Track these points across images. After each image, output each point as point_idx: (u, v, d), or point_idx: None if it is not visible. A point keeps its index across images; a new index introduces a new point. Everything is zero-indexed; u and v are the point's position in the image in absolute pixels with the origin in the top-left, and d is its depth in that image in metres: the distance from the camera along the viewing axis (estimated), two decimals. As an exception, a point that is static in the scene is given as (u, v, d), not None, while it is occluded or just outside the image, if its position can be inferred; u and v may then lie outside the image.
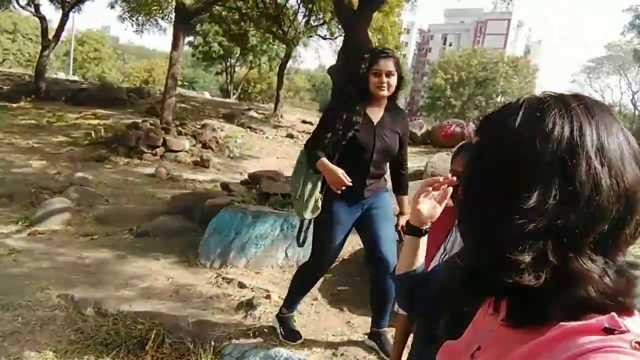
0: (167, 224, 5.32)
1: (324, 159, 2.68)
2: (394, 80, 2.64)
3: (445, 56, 44.77)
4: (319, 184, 2.75)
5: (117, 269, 4.33)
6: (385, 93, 2.64)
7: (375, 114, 2.73)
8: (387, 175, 2.99)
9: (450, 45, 68.99)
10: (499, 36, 64.87)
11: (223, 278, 4.12)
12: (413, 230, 1.30)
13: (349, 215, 2.80)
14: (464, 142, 1.81)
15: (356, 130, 2.64)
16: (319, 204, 2.76)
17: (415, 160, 11.84)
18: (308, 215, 2.81)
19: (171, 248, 4.84)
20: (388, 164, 2.89)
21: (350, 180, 2.63)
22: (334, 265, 4.34)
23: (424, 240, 1.31)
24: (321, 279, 4.10)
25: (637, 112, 39.05)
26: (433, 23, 77.78)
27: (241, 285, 3.97)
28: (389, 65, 2.61)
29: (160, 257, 4.63)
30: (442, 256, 1.75)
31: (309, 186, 2.76)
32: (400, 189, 2.98)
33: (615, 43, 37.94)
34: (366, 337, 3.14)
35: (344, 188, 2.63)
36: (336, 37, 17.60)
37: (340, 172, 2.61)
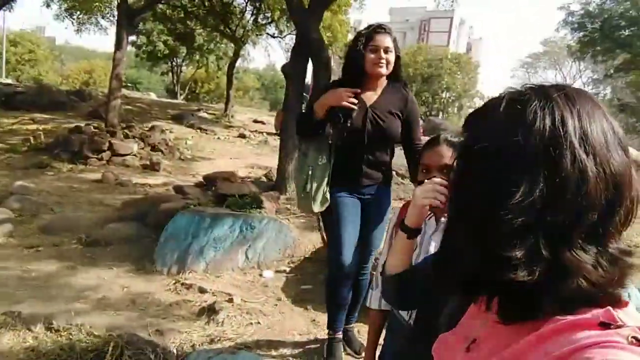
0: (119, 231, 5.10)
1: (316, 102, 2.55)
2: (392, 57, 2.49)
3: (391, 53, 45.51)
4: (326, 177, 2.60)
5: (68, 281, 4.10)
6: (384, 71, 2.49)
7: (370, 95, 2.55)
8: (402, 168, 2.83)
9: (396, 42, 70.17)
10: (443, 34, 66.84)
11: (182, 284, 4.00)
12: (410, 231, 1.30)
13: (354, 209, 2.62)
14: (433, 136, 1.81)
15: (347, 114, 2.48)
16: (327, 195, 2.60)
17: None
18: (317, 208, 2.63)
19: (125, 256, 4.65)
20: (389, 150, 2.68)
21: (348, 169, 2.53)
22: (295, 264, 4.34)
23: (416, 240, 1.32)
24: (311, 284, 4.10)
25: (571, 105, 41.21)
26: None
27: (201, 290, 3.87)
28: (387, 41, 2.47)
29: (114, 266, 4.43)
30: (416, 250, 1.76)
31: (316, 180, 2.59)
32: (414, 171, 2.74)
33: (550, 39, 40.12)
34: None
35: (354, 101, 2.42)
36: (285, 36, 17.54)
37: (339, 89, 2.46)
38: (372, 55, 2.46)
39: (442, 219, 1.74)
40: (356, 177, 2.59)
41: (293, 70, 5.87)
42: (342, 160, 2.57)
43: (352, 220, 2.60)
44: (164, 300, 3.75)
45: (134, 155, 9.50)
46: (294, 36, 17.55)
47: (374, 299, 1.90)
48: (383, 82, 2.58)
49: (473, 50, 69.16)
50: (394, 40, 2.52)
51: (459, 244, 0.65)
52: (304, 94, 5.98)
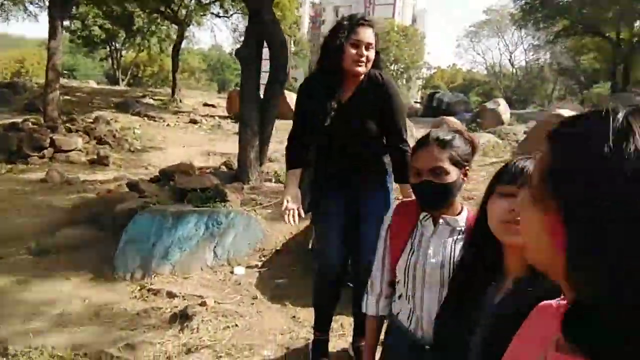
0: (72, 237, 4.75)
1: (291, 172, 2.39)
2: (372, 54, 2.27)
3: (338, 28, 45.23)
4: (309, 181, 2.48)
5: (20, 297, 3.78)
6: (363, 69, 2.27)
7: (346, 91, 2.35)
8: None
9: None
10: (388, 6, 66.91)
11: (148, 290, 3.77)
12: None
13: (339, 208, 2.44)
14: (423, 135, 1.70)
15: (328, 110, 2.31)
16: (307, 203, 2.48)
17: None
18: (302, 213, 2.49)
19: (82, 264, 4.33)
20: (376, 145, 2.45)
21: (326, 169, 2.41)
22: (266, 258, 4.19)
23: None
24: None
25: (514, 70, 42.72)
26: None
27: (170, 295, 3.65)
28: (370, 36, 2.24)
29: (71, 276, 4.11)
30: (410, 253, 1.66)
31: (304, 185, 2.46)
32: (398, 174, 2.39)
33: (492, 8, 41.01)
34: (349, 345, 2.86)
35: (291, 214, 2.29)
36: (231, 15, 16.93)
37: (289, 198, 2.29)
38: (353, 51, 2.23)
39: (441, 220, 1.65)
40: (342, 178, 2.44)
41: (247, 54, 5.59)
42: (327, 164, 2.45)
43: (336, 213, 2.44)
44: (131, 310, 3.52)
45: (79, 150, 8.94)
46: (241, 15, 17.04)
47: (370, 305, 1.79)
48: (360, 78, 2.36)
49: (418, 21, 69.86)
50: (376, 35, 2.30)
51: (579, 275, 0.57)
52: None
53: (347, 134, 2.36)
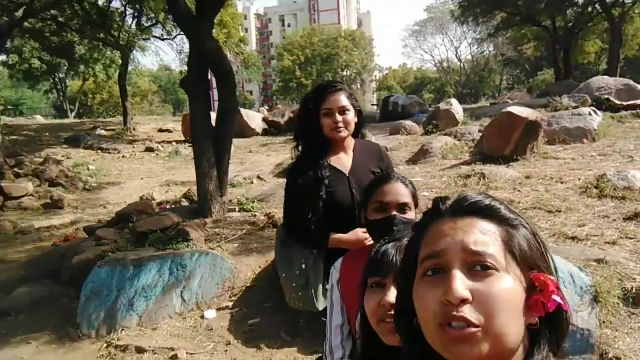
0: (30, 295, 4.49)
1: (334, 235, 2.15)
2: (350, 116, 2.18)
3: (287, 37, 45.40)
4: (320, 266, 2.23)
5: (-24, 371, 3.54)
6: (344, 134, 2.18)
7: (343, 160, 2.24)
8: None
9: (289, 25, 70.16)
10: (332, 11, 67.60)
11: (115, 346, 3.60)
12: None
13: None
14: (382, 174, 1.69)
15: (328, 188, 2.16)
16: (321, 294, 2.26)
17: (285, 150, 11.81)
18: (322, 305, 2.26)
19: (42, 324, 4.10)
20: None
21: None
22: (237, 296, 4.08)
23: None
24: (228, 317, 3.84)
25: (461, 65, 43.96)
26: (268, 6, 78.27)
27: (139, 350, 3.50)
28: (341, 100, 2.16)
29: (32, 339, 3.89)
30: None
31: (309, 273, 2.24)
32: None
33: (433, 5, 42.10)
34: None
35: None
36: (175, 37, 16.65)
37: (358, 232, 2.10)
38: (328, 120, 2.15)
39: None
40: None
41: (193, 85, 5.46)
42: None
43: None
44: (99, 372, 3.35)
45: (31, 195, 8.54)
46: (185, 36, 16.79)
47: None
48: (350, 141, 2.27)
49: (364, 24, 70.87)
50: (350, 96, 2.21)
51: None
52: None
53: (350, 201, 2.22)
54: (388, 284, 1.11)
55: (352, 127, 2.20)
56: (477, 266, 0.68)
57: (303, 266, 2.22)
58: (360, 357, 1.20)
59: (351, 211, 2.18)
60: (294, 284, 2.28)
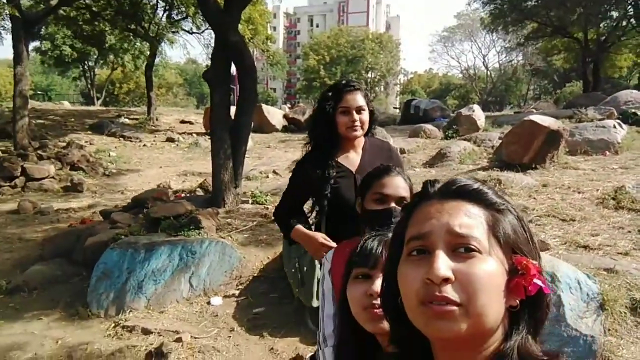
0: (44, 273, 4.61)
1: (298, 227, 2.21)
2: (365, 116, 2.21)
3: (314, 37, 45.57)
4: (316, 267, 2.27)
5: (-11, 342, 3.65)
6: (359, 133, 2.21)
7: (352, 159, 2.27)
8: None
9: (317, 26, 70.37)
10: (361, 14, 67.56)
11: (123, 327, 3.67)
12: None
13: None
14: (382, 166, 1.70)
15: (334, 185, 2.17)
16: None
17: (304, 148, 11.86)
18: (316, 303, 2.28)
19: (54, 302, 4.21)
20: None
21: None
22: (244, 285, 4.13)
23: None
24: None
25: (488, 72, 43.43)
26: (298, 6, 78.68)
27: (145, 332, 3.56)
28: (358, 99, 2.19)
29: (43, 315, 4.00)
30: None
31: (307, 272, 2.30)
32: None
33: (463, 12, 41.68)
34: None
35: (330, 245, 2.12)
36: (203, 31, 16.84)
37: (319, 237, 2.15)
38: (345, 119, 2.18)
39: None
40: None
41: (215, 76, 5.54)
42: (336, 238, 2.22)
43: None
44: (105, 350, 3.41)
45: (52, 177, 8.75)
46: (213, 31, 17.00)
47: (329, 356, 1.69)
48: (361, 141, 2.31)
49: (392, 28, 70.56)
50: (366, 96, 2.25)
51: None
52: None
53: (353, 199, 2.14)
54: (375, 276, 1.13)
55: (366, 126, 2.23)
56: (461, 248, 0.69)
57: (297, 265, 2.24)
58: (337, 342, 1.23)
59: (355, 209, 2.11)
60: (291, 280, 2.30)
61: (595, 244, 3.43)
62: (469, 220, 0.71)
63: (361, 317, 1.13)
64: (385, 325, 1.07)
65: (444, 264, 0.67)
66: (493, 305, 0.68)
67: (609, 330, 2.43)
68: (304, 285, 2.29)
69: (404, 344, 0.81)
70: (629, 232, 3.67)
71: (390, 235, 1.14)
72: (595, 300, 2.45)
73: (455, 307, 0.66)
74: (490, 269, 0.68)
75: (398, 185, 1.63)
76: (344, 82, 2.31)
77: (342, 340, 1.22)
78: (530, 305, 0.71)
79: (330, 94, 2.25)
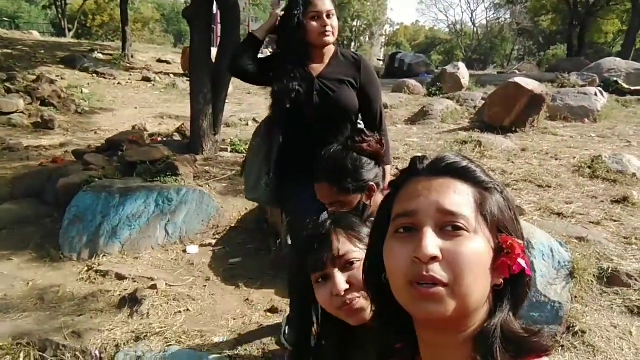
0: (13, 212, 4.49)
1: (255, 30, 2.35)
2: (336, 22, 2.15)
3: (300, -21, 43.74)
4: (259, 159, 2.27)
5: (-44, 281, 3.58)
6: (331, 39, 2.15)
7: (317, 67, 2.21)
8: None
9: (304, -34, 67.43)
10: (350, -43, 64.76)
11: (96, 271, 3.64)
12: None
13: (311, 191, 1.92)
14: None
15: (296, 87, 2.13)
16: (263, 182, 2.26)
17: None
18: (250, 194, 2.38)
19: (24, 242, 4.13)
20: (350, 126, 2.25)
21: (298, 155, 2.14)
22: (221, 235, 4.11)
23: None
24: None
25: (475, 29, 42.85)
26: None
27: (119, 277, 3.54)
28: (327, 3, 2.13)
29: (13, 256, 3.93)
30: None
31: (256, 165, 2.28)
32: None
33: (454, -36, 40.46)
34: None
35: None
36: (184, -36, 15.89)
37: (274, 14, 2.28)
38: (315, 24, 2.11)
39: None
40: (306, 163, 1.99)
41: (196, 15, 5.25)
42: (292, 145, 2.20)
43: (311, 196, 1.95)
44: (78, 293, 3.39)
45: (21, 112, 8.37)
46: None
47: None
48: (330, 50, 2.23)
49: (381, -26, 68.11)
50: (333, 1, 2.20)
51: None
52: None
53: (327, 107, 2.18)
54: (331, 273, 1.12)
55: (337, 32, 2.18)
56: (449, 226, 0.69)
57: (252, 159, 2.28)
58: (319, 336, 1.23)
59: (310, 112, 2.18)
60: (243, 172, 2.35)
61: (569, 212, 3.51)
62: (458, 198, 0.71)
63: (341, 316, 1.13)
64: (366, 314, 1.09)
65: (432, 242, 0.67)
66: (479, 285, 0.68)
67: (576, 297, 2.53)
68: (246, 177, 2.37)
69: (386, 319, 0.81)
70: (602, 201, 3.76)
71: (328, 225, 1.18)
72: (565, 268, 2.53)
73: (442, 288, 0.66)
74: (477, 247, 0.68)
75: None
76: None
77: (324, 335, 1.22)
78: (513, 284, 0.72)
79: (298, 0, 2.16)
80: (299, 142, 2.21)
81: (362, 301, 1.09)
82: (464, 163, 0.75)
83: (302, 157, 2.10)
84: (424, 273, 0.66)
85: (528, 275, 0.72)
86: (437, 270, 0.66)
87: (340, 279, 1.10)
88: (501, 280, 0.71)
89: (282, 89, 2.15)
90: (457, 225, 0.68)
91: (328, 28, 2.12)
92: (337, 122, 2.23)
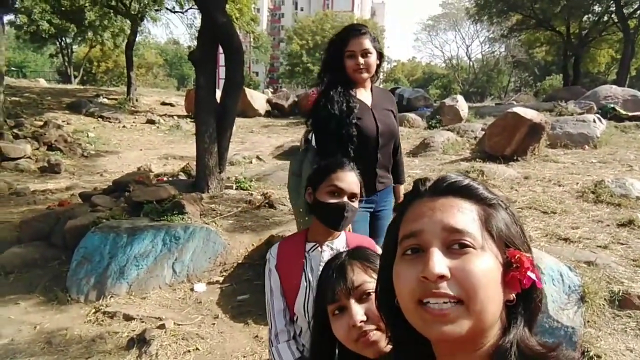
0: (21, 256, 4.50)
1: None
2: (372, 58, 2.32)
3: (299, 21, 45.01)
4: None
5: (-36, 326, 3.55)
6: (365, 75, 2.33)
7: (365, 97, 2.40)
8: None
9: (302, 9, 69.49)
10: (346, -1, 66.94)
11: (104, 312, 3.61)
12: None
13: (364, 214, 2.36)
14: (337, 160, 1.75)
15: (357, 117, 2.29)
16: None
17: (287, 133, 11.80)
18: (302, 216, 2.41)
19: (31, 286, 4.12)
20: (394, 149, 2.52)
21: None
22: (228, 272, 4.10)
23: None
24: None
25: (471, 63, 43.70)
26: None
27: (127, 318, 3.52)
28: (364, 43, 2.29)
29: (20, 300, 3.91)
30: (307, 288, 1.60)
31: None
32: (397, 177, 2.61)
33: (449, 1, 41.71)
34: None
35: None
36: (186, 10, 16.48)
37: None
38: (351, 62, 2.30)
39: (325, 247, 1.66)
40: (372, 182, 2.34)
41: (201, 58, 5.42)
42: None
43: (360, 221, 2.29)
44: (85, 336, 3.36)
45: (28, 157, 8.51)
46: (197, 11, 16.62)
47: (284, 350, 1.63)
48: (369, 83, 2.44)
49: (377, 14, 70.20)
50: (373, 40, 2.33)
51: None
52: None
53: (386, 133, 2.38)
54: (348, 305, 1.13)
55: (373, 69, 2.35)
56: (455, 244, 0.69)
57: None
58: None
59: (375, 142, 2.35)
60: (300, 210, 2.36)
61: (576, 236, 3.51)
62: (462, 216, 0.71)
63: (358, 348, 1.12)
64: (381, 344, 1.09)
65: (439, 261, 0.67)
66: (492, 301, 0.68)
67: (589, 322, 2.50)
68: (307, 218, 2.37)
69: (402, 343, 0.80)
70: (608, 225, 3.76)
71: (344, 257, 1.20)
72: (576, 293, 2.51)
73: (453, 305, 0.66)
74: (486, 264, 0.68)
75: (352, 181, 1.67)
76: (350, 26, 2.42)
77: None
78: (525, 299, 0.72)
79: (336, 38, 2.37)
80: (363, 164, 2.24)
81: (378, 333, 1.09)
82: (466, 181, 0.76)
83: (366, 177, 2.17)
84: (434, 290, 0.66)
85: (539, 288, 0.72)
86: (446, 288, 0.66)
87: (357, 310, 1.11)
88: (513, 296, 0.70)
89: (346, 107, 2.28)
90: (463, 243, 0.68)
91: (362, 66, 2.30)
92: (390, 143, 2.48)
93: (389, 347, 1.04)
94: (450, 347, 0.71)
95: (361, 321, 1.09)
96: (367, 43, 2.30)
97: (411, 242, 0.72)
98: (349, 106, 2.27)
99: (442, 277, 0.66)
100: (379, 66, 2.40)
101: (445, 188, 0.75)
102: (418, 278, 0.68)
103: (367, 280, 1.14)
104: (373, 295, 1.09)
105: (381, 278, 0.83)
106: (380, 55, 2.38)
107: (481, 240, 0.69)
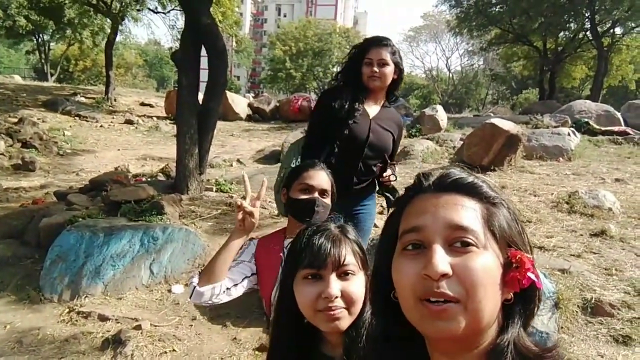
0: (-9, 254, 4.38)
1: None
2: (388, 71, 2.37)
3: (282, 27, 45.08)
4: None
5: None
6: (378, 83, 2.38)
7: (371, 107, 2.44)
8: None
9: (285, 16, 69.69)
10: (329, 7, 67.38)
11: (78, 312, 3.55)
12: None
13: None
14: (308, 161, 1.86)
15: (354, 121, 2.34)
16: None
17: (268, 138, 11.78)
18: (283, 211, 2.39)
19: (3, 284, 4.02)
20: (377, 167, 2.51)
21: (339, 179, 2.14)
22: (206, 274, 4.06)
23: None
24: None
25: (450, 75, 44.43)
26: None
27: (102, 318, 3.45)
28: (382, 53, 2.35)
29: (-10, 298, 3.80)
30: None
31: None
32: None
33: (430, 13, 42.46)
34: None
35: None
36: (169, 11, 16.34)
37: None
38: (367, 69, 2.37)
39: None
40: (348, 187, 2.36)
41: (184, 59, 5.39)
42: (336, 169, 2.27)
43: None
44: (58, 336, 3.29)
45: (2, 154, 8.28)
46: (179, 12, 16.51)
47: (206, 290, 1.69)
48: (382, 97, 2.49)
49: (360, 23, 70.90)
50: (394, 53, 2.40)
51: None
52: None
53: (375, 146, 2.40)
54: (326, 276, 1.12)
55: (387, 80, 2.41)
56: (458, 242, 0.68)
57: (283, 174, 2.37)
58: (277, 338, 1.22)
59: (361, 149, 2.38)
60: (275, 190, 2.42)
61: (550, 245, 3.60)
62: (466, 213, 0.70)
63: (315, 319, 1.12)
64: (341, 324, 1.09)
65: (442, 259, 0.66)
66: (490, 300, 0.67)
67: (562, 328, 2.57)
68: (277, 193, 2.42)
69: (392, 338, 0.79)
70: (581, 235, 3.87)
71: (335, 230, 1.19)
72: (551, 299, 2.58)
73: (454, 305, 0.65)
74: (487, 263, 0.68)
75: (322, 179, 1.77)
76: (374, 37, 2.51)
77: (280, 340, 1.21)
78: (523, 299, 0.71)
79: (359, 46, 2.47)
80: (345, 167, 2.34)
81: (345, 312, 1.10)
82: (470, 179, 0.75)
83: (344, 180, 2.23)
84: (435, 290, 0.65)
85: (538, 288, 0.71)
86: (447, 287, 0.65)
87: (336, 284, 1.11)
88: (511, 295, 0.70)
89: (349, 105, 2.34)
90: (466, 241, 0.68)
91: (376, 74, 2.36)
92: (377, 157, 2.48)
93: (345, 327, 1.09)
94: (447, 346, 0.70)
95: (336, 296, 1.09)
96: (386, 54, 2.37)
97: (413, 237, 0.71)
98: (352, 106, 2.33)
99: (444, 275, 0.65)
100: (397, 82, 2.46)
101: (449, 184, 0.74)
102: (419, 275, 0.67)
103: (352, 262, 1.14)
104: (350, 277, 1.13)
105: (377, 271, 0.81)
106: (400, 71, 2.43)
107: (484, 239, 0.69)
